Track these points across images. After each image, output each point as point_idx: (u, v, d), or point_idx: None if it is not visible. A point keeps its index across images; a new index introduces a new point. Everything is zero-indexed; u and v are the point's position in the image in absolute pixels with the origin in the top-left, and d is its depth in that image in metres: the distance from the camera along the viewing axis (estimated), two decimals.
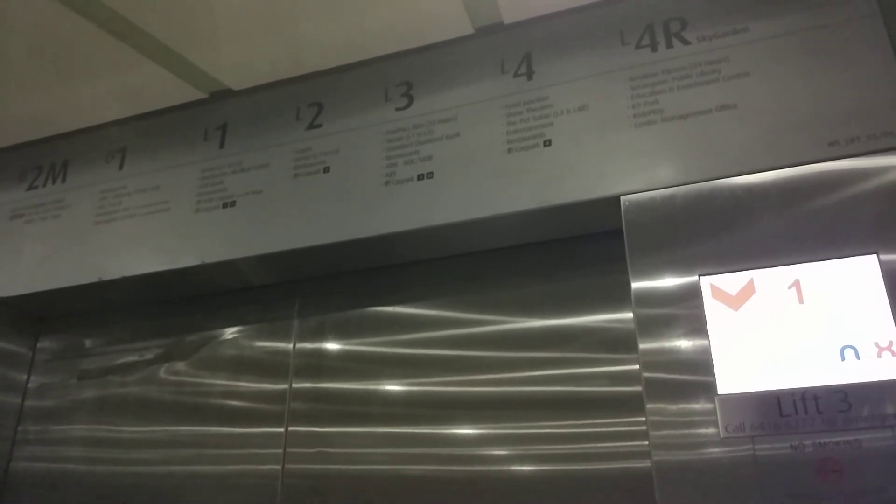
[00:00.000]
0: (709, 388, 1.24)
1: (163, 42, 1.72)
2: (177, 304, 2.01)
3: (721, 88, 1.45)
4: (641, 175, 1.44)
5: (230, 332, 1.92)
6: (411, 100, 1.74)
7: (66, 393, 2.06)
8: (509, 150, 1.58)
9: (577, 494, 1.46)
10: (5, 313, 2.09)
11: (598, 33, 1.60)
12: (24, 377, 2.13)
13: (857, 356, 1.18)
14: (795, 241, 1.29)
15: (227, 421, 1.83)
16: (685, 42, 1.52)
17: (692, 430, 1.23)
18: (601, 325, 1.57)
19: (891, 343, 1.17)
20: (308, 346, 1.82)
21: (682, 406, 1.25)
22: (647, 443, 1.27)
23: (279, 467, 1.72)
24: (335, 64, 1.84)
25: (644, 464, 1.36)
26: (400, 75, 1.78)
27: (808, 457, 1.15)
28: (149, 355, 2.00)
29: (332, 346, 1.81)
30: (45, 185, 2.11)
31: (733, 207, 1.35)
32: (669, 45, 1.53)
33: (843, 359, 1.19)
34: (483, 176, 1.58)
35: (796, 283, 1.26)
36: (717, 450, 1.20)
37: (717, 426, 1.21)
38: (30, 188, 2.13)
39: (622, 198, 1.44)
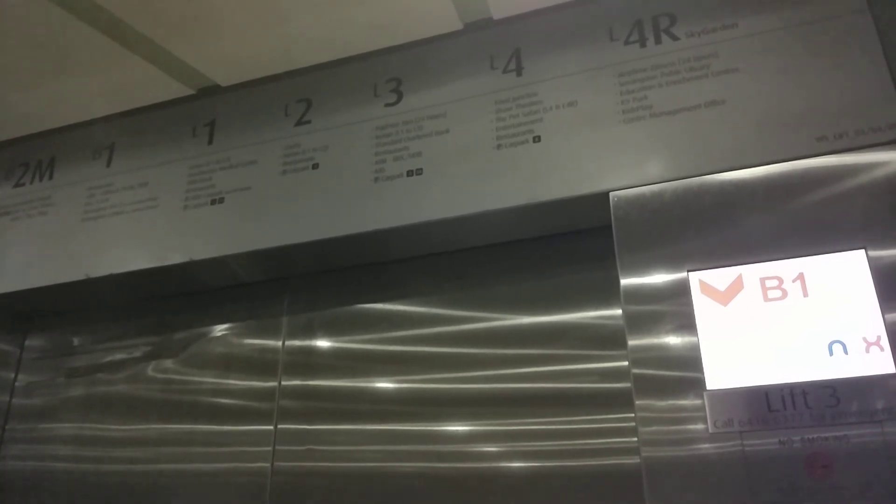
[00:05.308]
0: (697, 384, 1.24)
1: (150, 38, 1.71)
2: (165, 301, 2.00)
3: (710, 84, 1.45)
4: (630, 171, 1.44)
5: (219, 330, 1.91)
6: (400, 96, 1.73)
7: (54, 391, 2.05)
8: (498, 146, 1.57)
9: (567, 491, 1.46)
10: None
11: (587, 29, 1.60)
12: (12, 375, 2.12)
13: (846, 351, 1.19)
14: (784, 237, 1.29)
15: (216, 419, 1.82)
16: (674, 38, 1.52)
17: (681, 426, 1.23)
18: (590, 321, 1.57)
19: (879, 338, 1.17)
20: (297, 343, 1.82)
21: (670, 402, 1.25)
22: (636, 439, 1.26)
23: (268, 465, 1.71)
24: (324, 60, 1.83)
25: (633, 460, 1.36)
26: (389, 71, 1.77)
27: (797, 452, 1.15)
28: (137, 353, 1.99)
29: (321, 343, 1.80)
30: (31, 183, 2.09)
31: (722, 203, 1.35)
32: (658, 41, 1.53)
33: (831, 354, 1.19)
34: (472, 172, 1.57)
35: (785, 279, 1.26)
36: (705, 445, 1.20)
37: (705, 422, 1.21)
38: (16, 185, 2.11)
39: (611, 194, 1.43)
